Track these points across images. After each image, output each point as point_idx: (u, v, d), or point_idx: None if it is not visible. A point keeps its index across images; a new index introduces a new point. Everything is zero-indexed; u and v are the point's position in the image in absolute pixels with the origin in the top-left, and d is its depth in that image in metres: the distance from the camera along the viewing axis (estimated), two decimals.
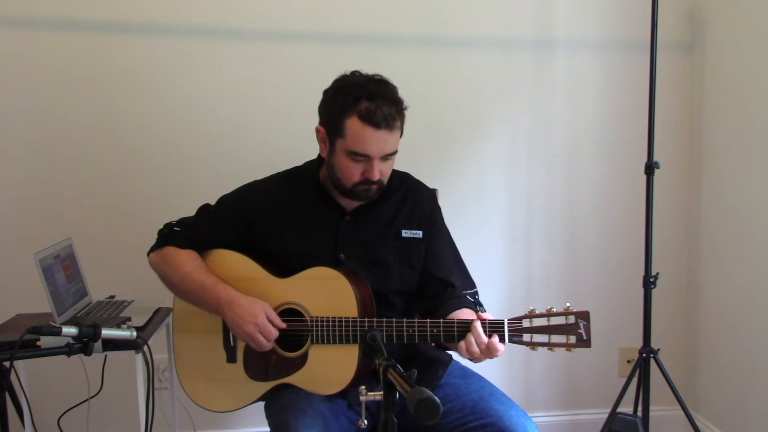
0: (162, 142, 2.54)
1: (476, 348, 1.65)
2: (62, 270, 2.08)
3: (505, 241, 2.76)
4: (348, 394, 1.77)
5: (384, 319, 1.72)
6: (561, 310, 1.66)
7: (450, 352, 1.88)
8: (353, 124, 1.73)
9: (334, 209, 1.89)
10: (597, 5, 2.70)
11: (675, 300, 2.83)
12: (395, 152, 1.79)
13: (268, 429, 1.78)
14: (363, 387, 1.38)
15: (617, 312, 2.78)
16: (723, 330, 2.65)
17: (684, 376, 2.83)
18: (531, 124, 2.72)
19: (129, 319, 2.02)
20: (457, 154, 2.69)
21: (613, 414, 2.48)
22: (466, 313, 1.78)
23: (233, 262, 1.88)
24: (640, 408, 2.50)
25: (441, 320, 1.71)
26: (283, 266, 1.84)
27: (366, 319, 1.74)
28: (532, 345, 1.66)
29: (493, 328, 1.66)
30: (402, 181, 1.95)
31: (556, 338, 1.65)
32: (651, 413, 2.50)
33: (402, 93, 1.80)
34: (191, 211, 1.99)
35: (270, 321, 1.75)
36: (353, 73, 1.81)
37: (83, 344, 1.58)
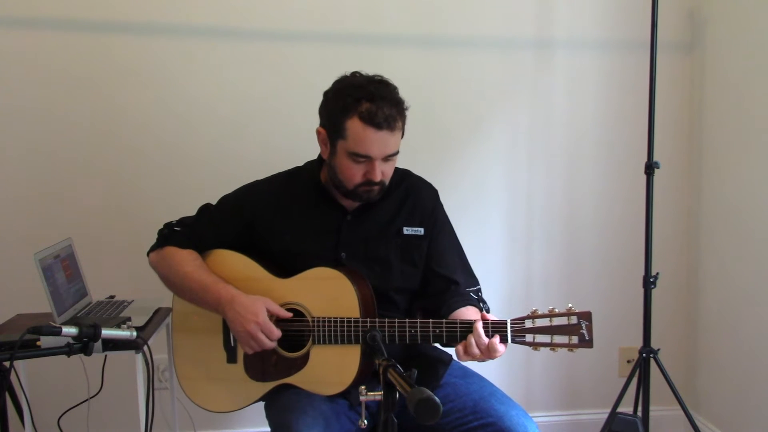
0: (162, 141, 2.54)
1: (476, 349, 1.65)
2: (62, 270, 2.08)
3: (505, 241, 2.76)
4: (349, 394, 1.77)
5: (386, 320, 1.72)
6: (563, 310, 1.66)
7: (450, 351, 1.88)
8: (354, 126, 1.72)
9: (336, 209, 1.89)
10: (597, 5, 2.70)
11: (675, 300, 2.83)
12: (397, 153, 1.79)
13: (269, 429, 1.78)
14: (363, 387, 1.39)
15: (617, 312, 2.78)
16: (723, 330, 2.65)
17: (684, 376, 2.83)
18: (531, 124, 2.73)
19: (129, 319, 2.02)
20: (457, 154, 2.69)
21: (613, 414, 2.48)
22: (470, 311, 1.78)
23: (234, 262, 1.88)
24: (640, 408, 2.50)
25: (443, 321, 1.71)
26: (283, 266, 1.84)
27: (368, 320, 1.73)
28: (535, 345, 1.66)
29: (496, 328, 1.66)
30: (403, 178, 1.95)
31: (559, 338, 1.65)
32: (651, 413, 2.50)
33: (402, 93, 1.80)
34: (191, 211, 1.99)
35: (273, 313, 1.75)
36: (353, 74, 1.80)
37: (83, 344, 1.58)
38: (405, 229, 1.89)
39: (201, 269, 1.85)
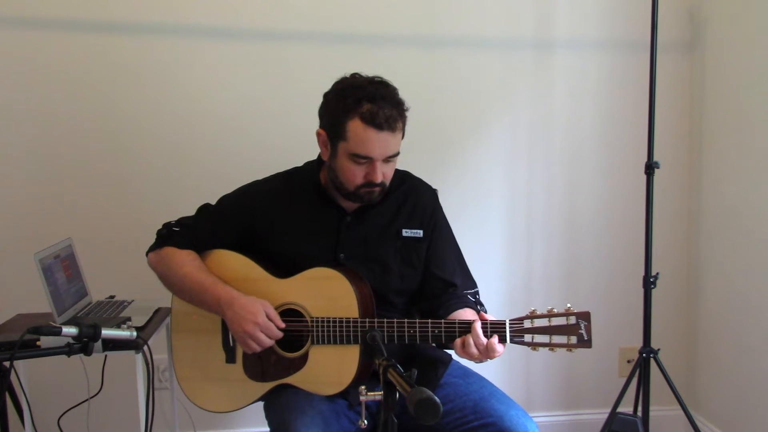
0: (162, 141, 2.53)
1: (474, 349, 1.65)
2: (62, 270, 2.08)
3: (504, 242, 2.76)
4: (348, 394, 1.77)
5: (385, 320, 1.72)
6: (562, 310, 1.66)
7: (450, 351, 1.88)
8: (355, 127, 1.72)
9: (335, 210, 1.89)
10: (597, 5, 2.69)
11: (675, 300, 2.83)
12: (397, 154, 1.79)
13: (268, 429, 1.78)
14: (363, 387, 1.39)
15: (617, 312, 2.78)
16: (723, 330, 2.65)
17: (684, 376, 2.82)
18: (531, 124, 2.72)
19: (129, 319, 2.02)
20: (457, 155, 2.69)
21: (613, 414, 2.48)
22: (467, 313, 1.78)
23: (233, 262, 1.88)
24: (640, 408, 2.50)
25: (442, 321, 1.71)
26: (282, 267, 1.84)
27: (366, 320, 1.73)
28: (534, 345, 1.66)
29: (495, 328, 1.66)
30: (403, 180, 1.95)
31: (557, 339, 1.65)
32: (651, 413, 2.50)
33: (402, 93, 1.80)
34: (191, 211, 1.99)
35: (270, 320, 1.75)
36: (353, 75, 1.80)
37: (83, 344, 1.58)
38: (404, 231, 1.89)
39: (200, 270, 1.85)
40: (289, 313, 1.80)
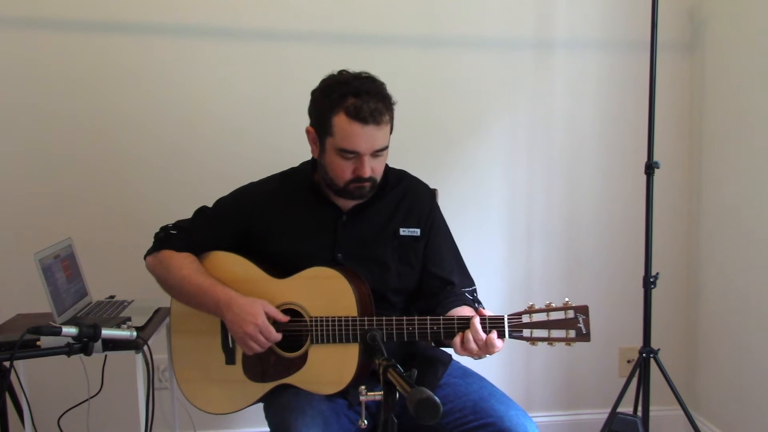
0: (162, 141, 2.54)
1: (474, 345, 1.65)
2: (62, 270, 2.08)
3: (504, 242, 2.76)
4: (348, 394, 1.77)
5: (383, 318, 1.72)
6: (560, 305, 1.66)
7: (449, 351, 1.88)
8: (340, 121, 1.73)
9: (331, 209, 1.88)
10: (597, 5, 2.69)
11: (675, 300, 2.83)
12: (385, 148, 1.79)
13: (268, 429, 1.78)
14: (363, 387, 1.38)
15: (617, 312, 2.78)
16: (723, 330, 2.65)
17: (684, 376, 2.82)
18: (531, 124, 2.72)
19: (129, 319, 2.02)
20: (457, 154, 2.69)
21: (613, 414, 2.48)
22: (465, 311, 1.78)
23: (231, 263, 1.87)
24: (640, 408, 2.50)
25: (441, 317, 1.71)
26: (281, 267, 1.84)
27: (365, 318, 1.73)
28: (532, 340, 1.66)
29: (493, 323, 1.66)
30: (399, 179, 1.95)
31: (556, 333, 1.65)
32: (651, 413, 2.49)
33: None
34: (191, 211, 1.98)
35: (270, 316, 1.75)
36: (340, 72, 1.81)
37: (83, 344, 1.58)
38: (401, 230, 1.89)
39: (198, 272, 1.85)
40: (288, 313, 1.80)
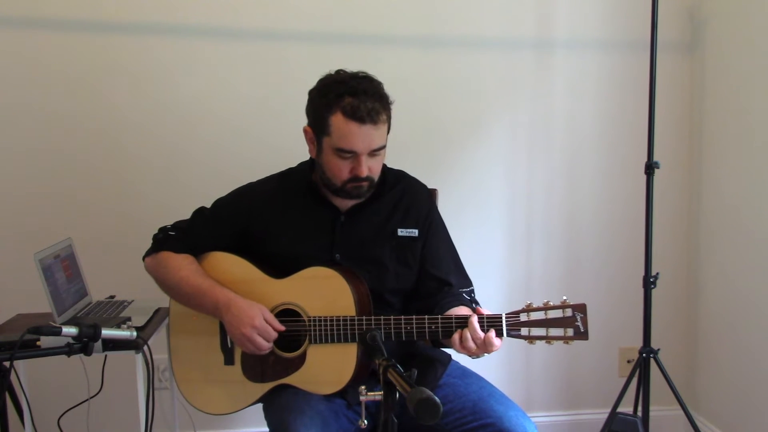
0: (162, 142, 2.54)
1: (472, 343, 1.65)
2: (62, 270, 2.08)
3: (504, 242, 2.76)
4: (347, 394, 1.77)
5: (382, 317, 1.72)
6: (558, 303, 1.65)
7: (449, 351, 1.88)
8: (337, 121, 1.73)
9: (329, 210, 1.88)
10: (597, 5, 2.69)
11: (675, 300, 2.83)
12: (383, 147, 1.79)
13: (267, 429, 1.78)
14: (363, 387, 1.38)
15: (617, 312, 2.78)
16: (723, 330, 2.65)
17: (684, 376, 2.82)
18: (531, 124, 2.72)
19: (129, 319, 2.02)
20: (457, 154, 2.69)
21: (613, 414, 2.48)
22: (463, 311, 1.77)
23: (230, 264, 1.87)
24: (640, 408, 2.50)
25: (439, 316, 1.71)
26: (279, 267, 1.84)
27: (364, 318, 1.73)
28: (530, 339, 1.66)
29: (491, 322, 1.66)
30: (398, 179, 1.95)
31: (554, 331, 1.65)
32: (651, 413, 2.49)
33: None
34: (190, 211, 1.98)
35: (268, 324, 1.75)
36: (337, 71, 1.81)
37: (83, 344, 1.58)
38: (399, 230, 1.89)
39: (197, 273, 1.85)
40: (287, 313, 1.80)
